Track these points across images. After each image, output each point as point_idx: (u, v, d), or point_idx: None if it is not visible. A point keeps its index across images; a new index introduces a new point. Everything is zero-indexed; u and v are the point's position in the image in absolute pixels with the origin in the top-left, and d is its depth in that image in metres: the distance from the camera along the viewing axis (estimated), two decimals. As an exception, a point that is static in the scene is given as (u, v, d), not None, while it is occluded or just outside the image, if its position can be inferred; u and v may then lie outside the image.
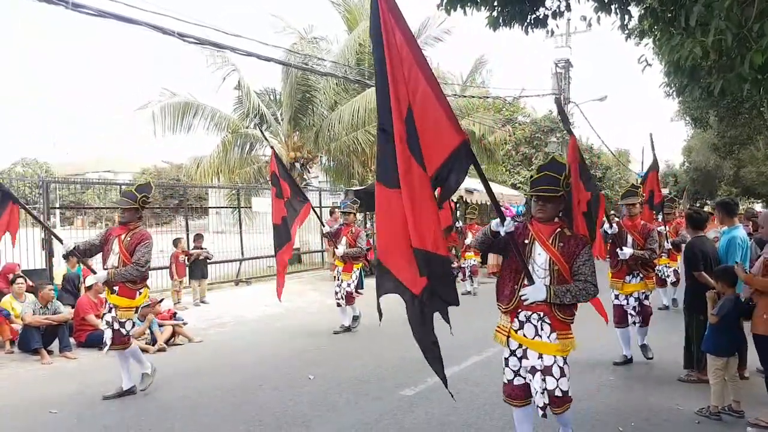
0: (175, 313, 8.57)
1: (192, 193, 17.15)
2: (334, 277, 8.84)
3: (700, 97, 3.83)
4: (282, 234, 7.28)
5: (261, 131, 12.47)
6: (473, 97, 19.52)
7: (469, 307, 10.44)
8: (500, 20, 4.89)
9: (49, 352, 7.13)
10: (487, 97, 20.98)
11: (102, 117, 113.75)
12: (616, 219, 7.12)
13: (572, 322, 3.58)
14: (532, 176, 3.77)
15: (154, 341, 7.53)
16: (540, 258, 3.53)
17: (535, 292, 3.39)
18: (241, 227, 14.26)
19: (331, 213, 14.94)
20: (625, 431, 4.51)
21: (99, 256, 5.77)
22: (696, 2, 3.19)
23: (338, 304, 8.43)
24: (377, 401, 5.28)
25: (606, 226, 5.93)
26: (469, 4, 4.66)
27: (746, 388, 5.23)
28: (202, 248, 11.45)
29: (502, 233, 3.32)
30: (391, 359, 6.64)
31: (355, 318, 8.54)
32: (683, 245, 7.30)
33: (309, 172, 18.97)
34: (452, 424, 4.70)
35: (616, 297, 6.39)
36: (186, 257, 10.87)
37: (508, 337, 3.61)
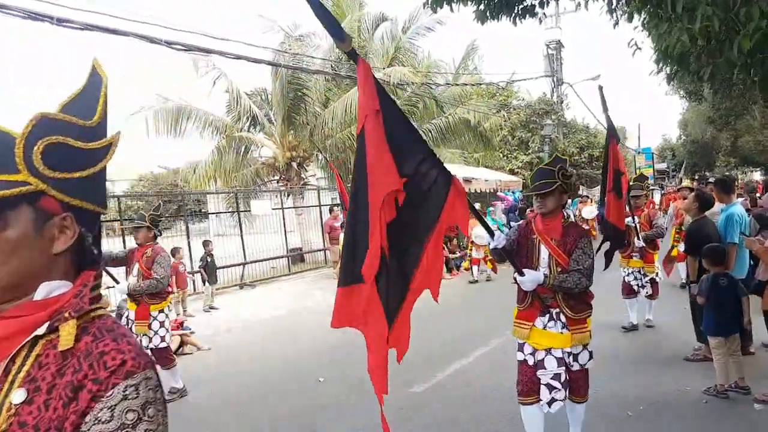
0: (183, 323, 8.59)
1: (190, 198, 17.15)
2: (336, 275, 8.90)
3: (691, 82, 3.81)
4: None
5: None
6: (466, 84, 19.43)
7: (474, 298, 10.49)
8: (487, 13, 4.87)
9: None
10: (481, 84, 20.89)
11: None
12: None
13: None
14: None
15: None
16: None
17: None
18: (242, 230, 14.28)
19: (331, 211, 14.97)
20: (634, 416, 4.55)
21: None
22: (682, -12, 3.18)
23: None
24: (388, 400, 5.28)
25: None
26: (455, 0, 4.65)
27: (752, 363, 5.28)
28: (212, 254, 11.61)
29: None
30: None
31: None
32: (660, 240, 7.30)
33: (306, 170, 18.95)
34: (463, 420, 4.74)
35: (627, 274, 7.21)
36: (200, 263, 10.95)
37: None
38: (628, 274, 7.19)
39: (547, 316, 3.56)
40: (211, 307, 10.92)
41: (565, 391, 3.58)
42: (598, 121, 23.72)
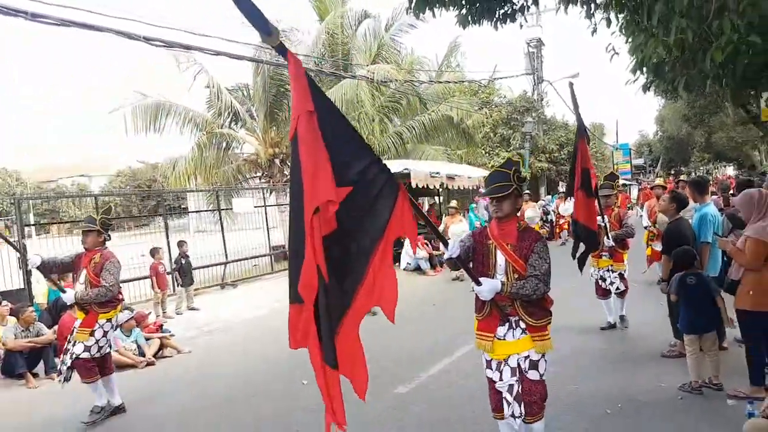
0: (162, 325, 8.53)
1: (170, 195, 16.96)
2: None
3: (666, 91, 3.92)
4: None
5: None
6: (449, 82, 19.53)
7: (457, 296, 10.56)
8: (469, 18, 4.94)
9: (35, 375, 7.04)
10: (463, 81, 21.00)
11: (75, 120, 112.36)
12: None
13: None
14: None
15: (142, 355, 7.51)
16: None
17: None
18: (223, 229, 14.17)
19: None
20: (612, 413, 4.63)
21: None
22: (657, 1, 3.26)
23: None
24: (372, 402, 5.32)
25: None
26: (437, 5, 4.69)
27: (725, 359, 5.42)
28: (187, 255, 11.30)
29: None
30: (382, 356, 6.69)
31: None
32: (630, 239, 7.19)
33: (289, 167, 18.87)
34: (449, 419, 4.79)
35: (597, 275, 7.17)
36: (173, 264, 10.72)
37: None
38: (599, 277, 7.14)
39: (507, 324, 3.43)
40: (192, 308, 10.83)
41: (520, 407, 3.40)
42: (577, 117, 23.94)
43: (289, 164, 18.75)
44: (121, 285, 5.65)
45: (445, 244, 3.18)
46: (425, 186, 13.33)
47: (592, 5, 5.14)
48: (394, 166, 13.86)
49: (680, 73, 3.79)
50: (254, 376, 6.51)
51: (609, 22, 5.03)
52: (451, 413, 4.89)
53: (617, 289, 7.03)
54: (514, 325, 3.43)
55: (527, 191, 16.63)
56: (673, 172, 43.19)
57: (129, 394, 6.25)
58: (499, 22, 5.11)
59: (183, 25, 10.45)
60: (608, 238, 6.71)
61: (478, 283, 3.23)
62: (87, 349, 5.35)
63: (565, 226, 17.44)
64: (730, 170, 54.40)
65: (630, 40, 4.43)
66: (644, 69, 4.01)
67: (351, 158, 2.40)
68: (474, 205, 16.33)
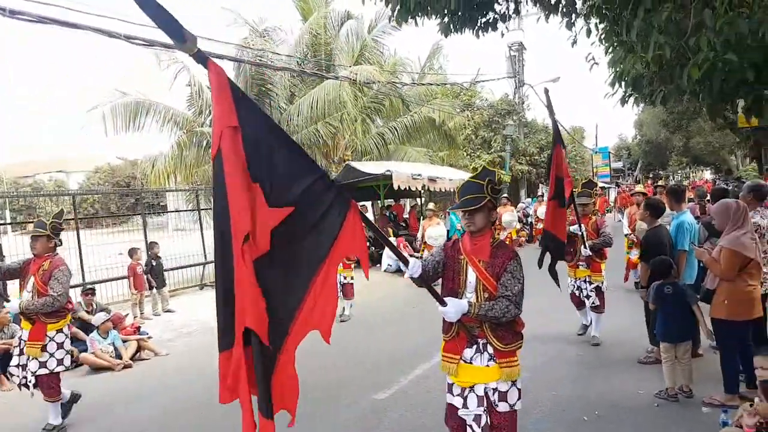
0: (139, 327, 8.43)
1: (149, 193, 16.76)
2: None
3: (644, 104, 3.99)
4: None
5: None
6: (431, 84, 19.61)
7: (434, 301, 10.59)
8: (451, 27, 4.97)
9: (9, 377, 6.83)
10: (445, 84, 21.10)
11: (52, 115, 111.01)
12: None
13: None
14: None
15: (119, 357, 7.41)
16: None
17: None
18: (202, 230, 14.03)
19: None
20: (589, 420, 4.68)
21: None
22: (635, 17, 3.31)
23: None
24: (350, 407, 5.32)
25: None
26: (419, 14, 4.71)
27: (700, 366, 5.52)
28: (158, 256, 11.09)
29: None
30: (363, 359, 6.70)
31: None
32: (607, 248, 7.00)
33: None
34: (426, 426, 4.78)
35: (574, 285, 6.99)
36: (141, 267, 10.54)
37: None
38: (575, 287, 6.96)
39: (474, 347, 3.18)
40: (168, 310, 10.69)
41: None
42: (557, 121, 24.18)
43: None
44: (69, 295, 5.35)
45: (405, 262, 2.95)
46: (407, 188, 13.35)
47: (573, 15, 5.19)
48: (377, 167, 13.87)
49: (658, 87, 3.86)
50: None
51: (589, 32, 5.08)
52: (428, 419, 4.89)
53: (593, 303, 6.81)
54: (481, 348, 3.17)
55: (505, 195, 16.70)
56: (651, 175, 43.84)
57: (106, 396, 6.19)
58: (480, 31, 5.15)
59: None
60: (585, 247, 6.54)
61: (443, 304, 3.00)
62: (43, 365, 5.11)
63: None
64: (708, 174, 55.44)
65: (609, 51, 4.49)
66: (622, 83, 4.07)
67: (291, 176, 2.21)
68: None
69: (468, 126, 22.49)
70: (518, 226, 16.91)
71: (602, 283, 6.84)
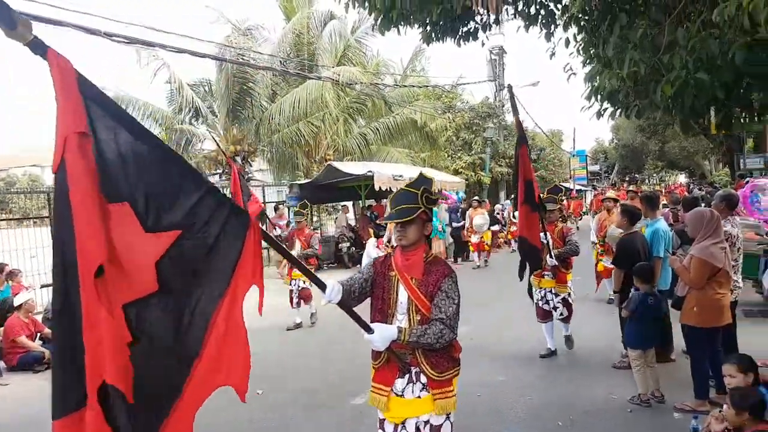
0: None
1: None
2: (288, 282, 8.81)
3: (619, 117, 4.09)
4: None
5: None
6: (414, 86, 19.70)
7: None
8: (433, 36, 5.03)
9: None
10: (427, 86, 21.22)
11: (27, 109, 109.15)
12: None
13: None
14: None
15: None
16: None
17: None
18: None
19: (276, 209, 14.82)
20: (564, 425, 4.74)
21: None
22: (612, 33, 3.40)
23: (297, 304, 8.60)
24: (329, 412, 5.30)
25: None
26: (402, 23, 4.76)
27: (673, 371, 5.64)
28: None
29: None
30: (344, 363, 6.67)
31: (312, 314, 8.83)
32: (573, 257, 6.59)
33: (251, 165, 18.69)
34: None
35: (539, 297, 6.60)
36: None
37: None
38: (540, 298, 6.57)
39: (407, 377, 2.88)
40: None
41: None
42: (536, 124, 24.51)
43: (251, 162, 18.61)
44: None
45: (321, 287, 2.49)
46: (388, 189, 13.40)
47: (552, 26, 5.28)
48: (359, 167, 13.89)
49: (633, 101, 3.96)
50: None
51: (567, 43, 5.18)
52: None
53: (561, 314, 6.51)
54: (414, 378, 2.87)
55: (476, 198, 16.68)
56: (627, 178, 44.50)
57: None
58: (461, 40, 5.22)
59: (145, 21, 10.16)
60: (551, 256, 6.16)
61: (369, 331, 2.63)
62: None
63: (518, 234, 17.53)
64: (682, 178, 56.52)
65: (587, 63, 4.59)
66: (598, 96, 4.16)
67: (172, 192, 1.79)
68: (436, 209, 16.45)
69: (449, 128, 22.65)
70: (496, 227, 16.96)
71: (569, 294, 6.53)
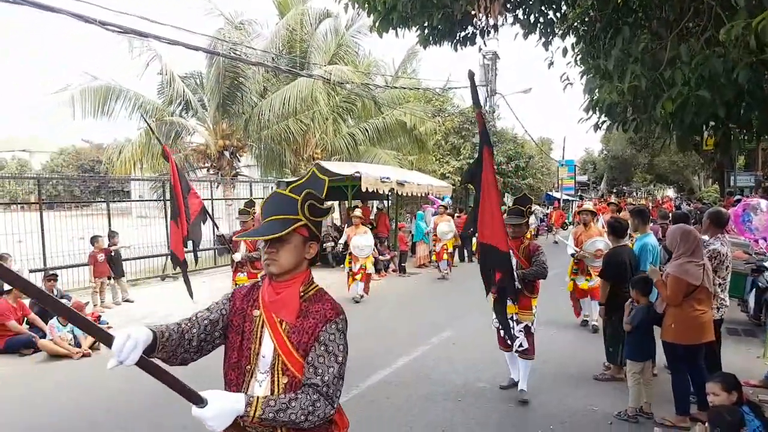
0: (100, 316, 8.28)
1: (113, 178, 16.45)
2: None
3: (617, 130, 4.06)
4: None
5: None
6: (404, 88, 19.68)
7: (397, 306, 10.60)
8: (430, 39, 5.00)
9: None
10: (418, 89, 21.22)
11: (14, 95, 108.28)
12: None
13: None
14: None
15: (78, 345, 7.31)
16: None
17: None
18: (167, 220, 13.75)
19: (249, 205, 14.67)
20: (544, 435, 4.75)
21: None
22: (614, 46, 3.37)
23: None
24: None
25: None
26: (400, 26, 4.72)
27: (654, 385, 5.65)
28: (116, 245, 10.91)
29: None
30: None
31: None
32: (541, 280, 5.51)
33: (239, 160, 18.56)
34: (387, 428, 4.80)
35: (497, 323, 5.53)
36: (104, 255, 10.33)
37: None
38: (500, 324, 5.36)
39: None
40: (126, 300, 10.52)
41: None
42: (526, 131, 24.55)
43: (239, 158, 18.46)
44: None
45: (106, 341, 1.72)
46: (375, 190, 13.36)
47: (551, 35, 5.27)
48: (346, 168, 13.83)
49: (632, 116, 3.94)
50: (193, 375, 6.30)
51: (565, 52, 5.16)
52: (389, 427, 4.89)
53: (520, 346, 5.43)
54: None
55: (443, 204, 15.94)
56: (614, 190, 44.92)
57: (62, 383, 6.13)
58: (459, 45, 5.19)
59: (139, 10, 10.11)
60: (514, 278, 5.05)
61: (199, 403, 1.78)
62: None
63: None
64: (671, 192, 57.09)
65: (585, 73, 4.58)
66: (597, 109, 4.15)
67: None
68: (422, 213, 16.43)
69: (438, 132, 22.65)
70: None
71: (532, 322, 5.46)
